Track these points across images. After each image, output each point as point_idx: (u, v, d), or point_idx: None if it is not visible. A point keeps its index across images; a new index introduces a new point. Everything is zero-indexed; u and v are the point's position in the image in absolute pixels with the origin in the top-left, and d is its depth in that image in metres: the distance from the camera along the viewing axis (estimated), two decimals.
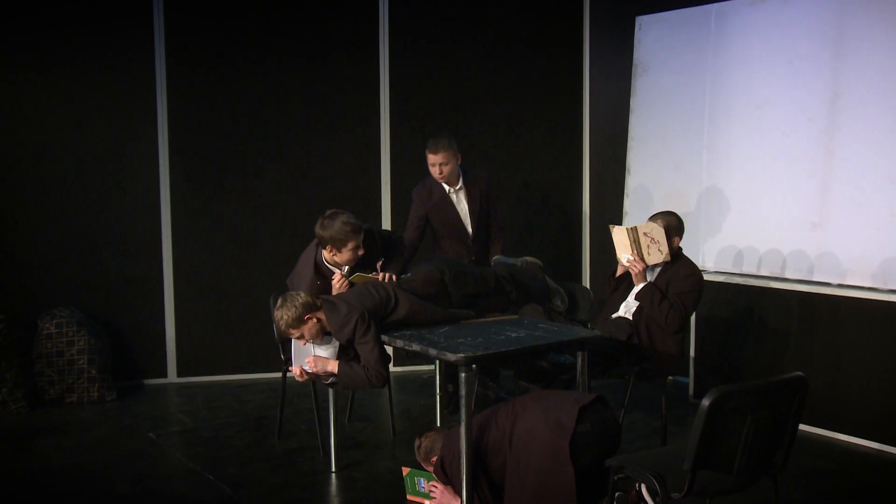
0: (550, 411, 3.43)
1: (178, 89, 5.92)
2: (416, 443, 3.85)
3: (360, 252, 4.21)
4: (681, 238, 4.48)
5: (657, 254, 4.39)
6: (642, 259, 4.40)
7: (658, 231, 4.36)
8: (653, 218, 4.49)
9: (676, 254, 4.46)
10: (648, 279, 4.46)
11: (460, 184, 5.09)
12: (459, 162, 5.06)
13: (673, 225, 4.43)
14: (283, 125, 6.09)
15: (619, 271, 4.60)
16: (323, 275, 4.28)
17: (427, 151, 4.99)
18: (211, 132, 6.00)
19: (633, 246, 4.39)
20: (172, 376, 6.05)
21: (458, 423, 3.53)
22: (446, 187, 5.08)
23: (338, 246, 4.19)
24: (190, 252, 6.02)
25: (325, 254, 4.26)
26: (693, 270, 4.42)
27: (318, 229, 4.21)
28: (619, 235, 4.43)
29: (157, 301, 6.00)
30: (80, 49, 5.77)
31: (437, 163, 4.97)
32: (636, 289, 4.46)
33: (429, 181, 5.11)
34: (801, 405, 3.05)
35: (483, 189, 5.13)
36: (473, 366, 3.61)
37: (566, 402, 3.46)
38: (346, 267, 4.29)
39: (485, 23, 6.37)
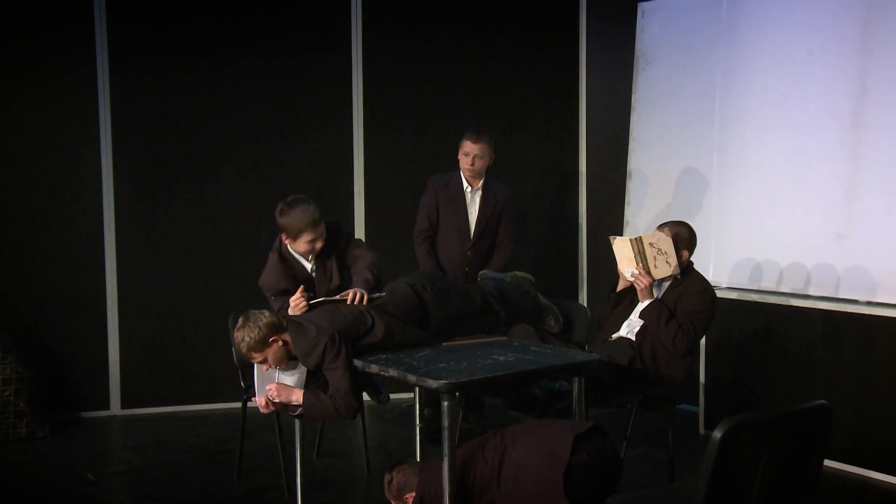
0: (543, 442, 3.43)
1: (123, 86, 5.90)
2: (387, 477, 3.82)
3: (319, 245, 4.29)
4: (692, 252, 4.49)
5: (665, 266, 4.39)
6: (648, 273, 4.41)
7: (666, 241, 4.37)
8: (660, 227, 4.50)
9: (687, 269, 4.46)
10: (655, 295, 4.46)
11: (480, 185, 5.29)
12: (491, 163, 5.29)
13: (683, 236, 4.44)
14: (244, 127, 6.08)
15: (621, 286, 4.60)
16: (290, 264, 4.36)
17: (466, 139, 5.21)
18: (161, 132, 5.98)
19: (637, 258, 4.39)
20: (116, 408, 6.00)
21: (439, 455, 3.51)
22: (465, 184, 5.28)
23: (292, 235, 4.29)
24: (137, 266, 5.98)
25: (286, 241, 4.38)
26: (705, 287, 4.42)
27: (276, 213, 4.33)
28: (622, 247, 4.44)
29: (99, 322, 5.95)
30: (12, 43, 5.74)
31: (473, 153, 5.19)
32: (641, 306, 4.46)
33: (448, 174, 5.35)
34: (827, 438, 3.05)
35: (502, 203, 5.33)
36: (457, 393, 3.59)
37: (560, 432, 3.46)
38: (311, 262, 4.36)
39: (467, 12, 6.40)
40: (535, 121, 6.57)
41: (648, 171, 5.93)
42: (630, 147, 6.06)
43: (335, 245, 4.47)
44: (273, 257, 4.43)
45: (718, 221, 5.47)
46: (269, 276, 4.42)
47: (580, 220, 6.68)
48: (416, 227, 5.43)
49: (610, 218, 6.38)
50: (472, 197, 5.33)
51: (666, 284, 4.47)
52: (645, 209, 5.95)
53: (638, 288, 4.42)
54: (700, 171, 5.60)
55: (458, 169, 5.36)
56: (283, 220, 4.25)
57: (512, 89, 6.51)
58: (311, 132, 6.18)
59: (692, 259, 4.53)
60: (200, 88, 6.01)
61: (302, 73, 6.14)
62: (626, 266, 4.46)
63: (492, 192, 5.34)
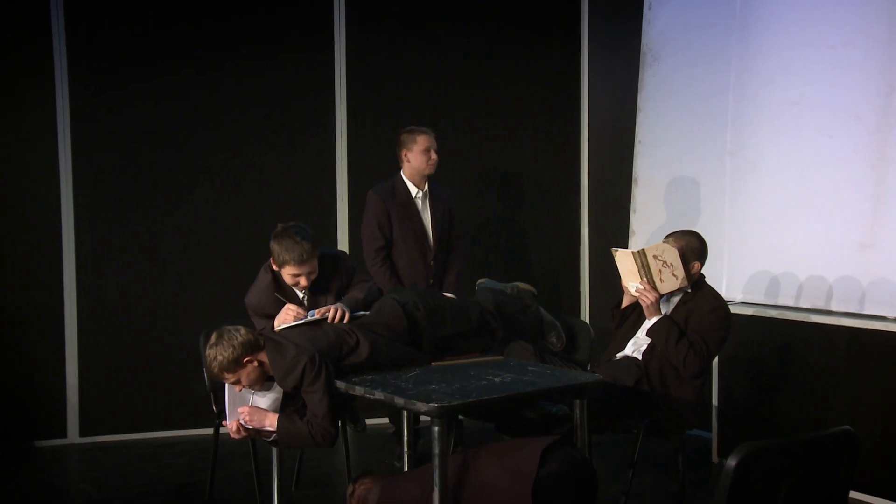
0: (506, 458, 3.46)
1: (83, 84, 5.88)
2: (349, 489, 3.84)
3: (304, 283, 4.31)
4: (703, 263, 4.49)
5: (671, 280, 4.39)
6: (654, 287, 4.41)
7: (671, 253, 4.37)
8: (667, 238, 4.50)
9: (698, 283, 4.46)
10: (663, 312, 4.46)
11: (426, 188, 5.32)
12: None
13: (693, 247, 4.43)
14: (219, 129, 6.08)
15: (626, 302, 4.60)
16: (283, 288, 4.37)
17: (420, 134, 5.24)
18: (126, 134, 5.96)
19: (641, 272, 4.39)
20: (74, 436, 5.97)
21: (401, 469, 3.50)
22: (413, 190, 5.29)
23: (277, 264, 4.32)
24: (99, 280, 5.96)
25: None
26: (719, 304, 4.42)
27: (272, 236, 4.35)
28: (625, 261, 4.44)
29: (56, 341, 5.93)
30: None
31: (434, 147, 5.25)
32: (648, 323, 4.46)
33: (388, 182, 5.33)
34: (852, 466, 3.04)
35: (447, 206, 5.38)
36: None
37: (525, 447, 3.50)
38: (304, 293, 4.40)
39: (460, 6, 6.41)
40: (532, 123, 6.58)
41: (655, 176, 5.95)
42: (635, 151, 6.07)
43: (333, 279, 4.46)
44: (265, 276, 4.41)
45: (732, 231, 5.48)
46: (258, 296, 4.41)
47: (582, 230, 6.68)
48: (366, 247, 5.30)
49: (614, 227, 6.39)
50: (423, 203, 5.33)
51: (675, 299, 4.47)
52: (652, 218, 5.95)
53: (644, 304, 4.42)
54: (711, 176, 5.62)
55: (396, 175, 5.31)
56: (272, 245, 4.30)
57: (507, 89, 6.52)
58: (291, 135, 6.19)
59: (703, 272, 4.53)
60: (171, 88, 6.00)
61: (281, 73, 6.15)
62: (631, 280, 4.46)
63: (437, 195, 5.37)
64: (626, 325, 4.61)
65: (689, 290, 4.44)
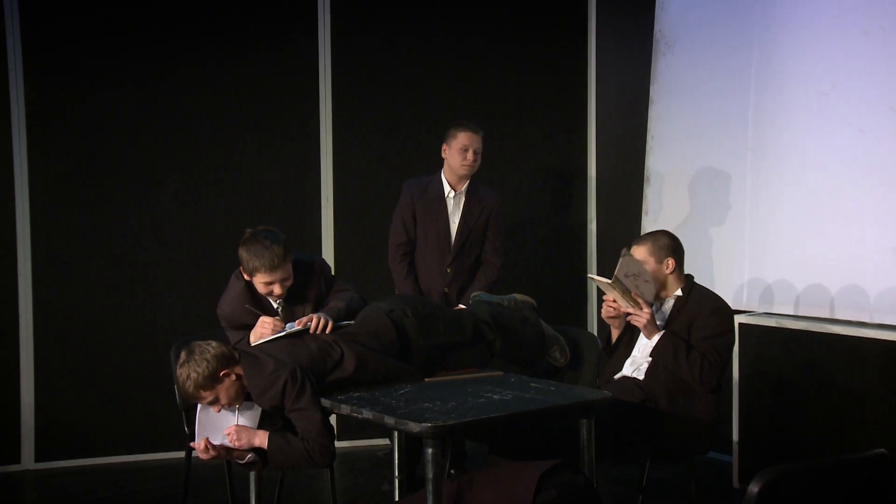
0: (502, 484, 3.47)
1: (40, 79, 5.87)
2: None
3: (278, 291, 4.32)
4: (679, 260, 4.50)
5: (648, 287, 4.42)
6: (639, 305, 4.40)
7: (633, 263, 4.39)
8: (636, 243, 4.54)
9: (689, 285, 4.48)
10: (658, 325, 4.47)
11: (465, 188, 5.37)
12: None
13: (661, 244, 4.47)
14: (192, 125, 6.08)
15: (615, 334, 4.62)
16: (257, 297, 4.38)
17: (462, 130, 5.30)
18: (90, 130, 5.96)
19: (624, 297, 4.39)
20: (29, 461, 5.95)
21: (390, 494, 3.50)
22: (446, 188, 5.38)
23: (247, 272, 4.33)
24: (57, 290, 5.95)
25: None
26: (718, 304, 4.43)
27: (240, 243, 4.37)
28: (608, 290, 4.46)
29: (9, 357, 5.91)
30: None
31: (474, 146, 5.31)
32: (644, 341, 4.45)
33: (427, 178, 5.45)
34: (889, 493, 3.04)
35: (489, 210, 5.42)
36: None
37: (523, 472, 3.51)
38: (278, 304, 4.40)
39: None
40: (535, 116, 6.59)
41: (669, 174, 5.95)
42: (648, 147, 6.08)
43: (309, 287, 4.48)
44: (237, 284, 4.42)
45: (753, 235, 5.49)
46: (230, 306, 4.42)
47: (589, 233, 6.69)
48: (390, 241, 5.46)
49: (624, 230, 6.39)
50: (455, 202, 5.39)
51: (668, 307, 4.47)
52: (665, 220, 5.96)
53: (640, 326, 4.42)
54: (731, 175, 5.63)
55: (437, 172, 5.41)
56: (240, 252, 4.31)
57: (508, 80, 6.53)
58: (271, 131, 6.19)
59: (690, 273, 4.53)
60: (136, 80, 5.99)
61: (259, 64, 6.15)
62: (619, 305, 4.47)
63: (477, 198, 5.40)
64: (620, 350, 4.62)
65: (681, 294, 4.45)
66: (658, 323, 4.45)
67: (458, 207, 5.39)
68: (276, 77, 6.19)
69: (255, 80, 6.17)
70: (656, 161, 6.03)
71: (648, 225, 6.05)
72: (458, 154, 5.30)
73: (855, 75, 5.04)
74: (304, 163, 6.24)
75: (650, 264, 4.43)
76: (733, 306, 5.52)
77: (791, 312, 5.29)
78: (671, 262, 4.46)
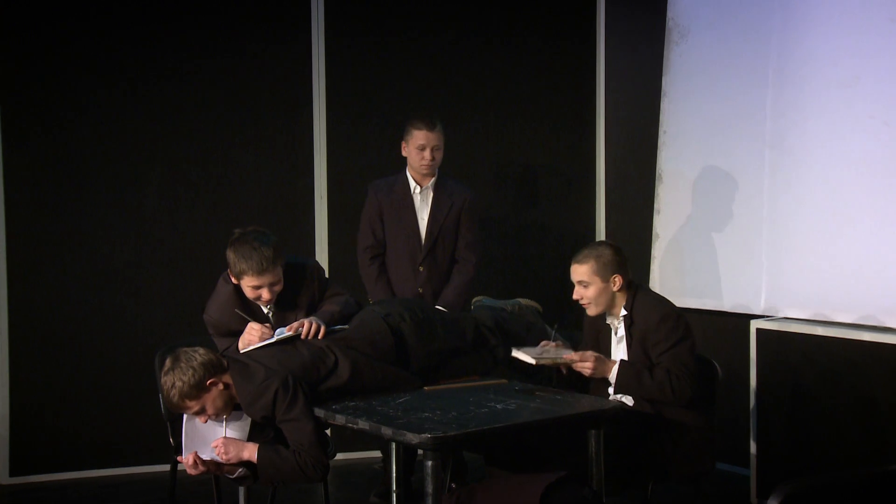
0: (504, 496, 3.49)
1: (15, 63, 5.85)
2: None
3: (266, 296, 4.32)
4: (625, 273, 4.41)
5: (560, 349, 4.38)
6: (576, 355, 4.35)
7: (530, 351, 4.28)
8: (575, 261, 4.44)
9: (632, 298, 4.42)
10: (616, 350, 4.44)
11: (431, 183, 5.37)
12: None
13: (605, 261, 4.38)
14: (176, 119, 6.06)
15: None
16: (246, 301, 4.38)
17: (417, 128, 5.28)
18: (66, 122, 5.93)
19: (556, 362, 4.34)
20: (3, 476, 5.92)
21: None
22: (412, 185, 5.38)
23: (234, 274, 4.33)
24: (33, 294, 5.94)
25: None
26: (663, 311, 4.36)
27: (228, 244, 4.37)
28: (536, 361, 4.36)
29: None
30: None
31: (431, 143, 5.28)
32: (608, 378, 4.38)
33: (392, 177, 5.45)
34: None
35: (460, 205, 5.40)
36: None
37: (526, 485, 3.52)
38: (269, 308, 4.41)
39: None
40: (540, 111, 6.58)
41: (683, 172, 5.95)
42: (660, 142, 6.07)
43: (302, 292, 4.49)
44: (225, 288, 4.43)
45: (772, 236, 5.49)
46: (218, 311, 4.43)
47: (598, 235, 6.67)
48: (358, 245, 5.50)
49: (635, 231, 6.39)
50: (423, 199, 5.40)
51: (619, 328, 4.43)
52: (678, 219, 5.96)
53: (588, 372, 4.33)
54: (748, 172, 5.63)
55: (403, 170, 5.43)
56: (228, 253, 4.33)
57: (511, 71, 6.51)
58: (261, 123, 6.17)
59: (634, 281, 4.48)
60: (117, 67, 5.97)
61: (247, 55, 6.13)
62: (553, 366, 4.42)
63: (446, 192, 5.41)
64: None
65: (626, 311, 4.40)
66: (614, 348, 4.44)
67: (427, 203, 5.40)
68: (265, 68, 6.18)
69: (243, 71, 6.15)
70: (669, 158, 6.03)
71: (660, 225, 6.05)
72: (415, 153, 5.31)
73: (881, 65, 5.03)
74: (297, 158, 6.22)
75: (595, 284, 4.38)
76: (750, 311, 5.56)
77: (811, 317, 5.29)
78: (618, 279, 4.39)
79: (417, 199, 5.38)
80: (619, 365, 4.30)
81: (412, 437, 3.58)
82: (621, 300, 4.43)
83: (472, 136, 6.47)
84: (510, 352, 4.49)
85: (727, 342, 5.76)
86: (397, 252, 5.41)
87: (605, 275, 4.38)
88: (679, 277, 6.00)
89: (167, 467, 4.74)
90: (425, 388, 4.27)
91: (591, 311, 4.46)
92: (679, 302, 5.89)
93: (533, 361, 4.19)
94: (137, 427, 5.93)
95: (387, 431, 3.69)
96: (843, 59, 5.18)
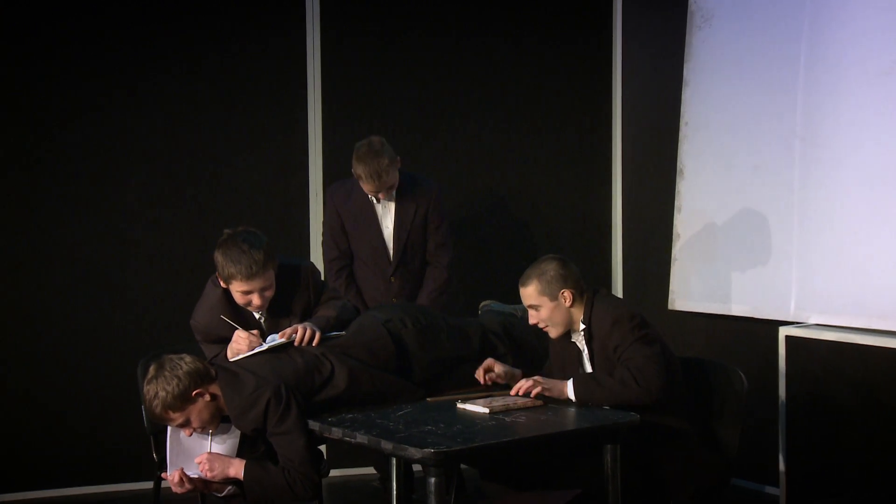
0: None
1: None
2: None
3: (257, 302, 4.32)
4: (575, 286, 4.39)
5: (556, 329, 4.40)
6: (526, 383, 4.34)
7: (478, 401, 4.22)
8: (523, 283, 4.40)
9: (589, 309, 4.39)
10: (586, 363, 4.44)
11: (392, 193, 5.45)
12: (399, 166, 5.39)
13: (550, 277, 4.36)
14: (160, 109, 6.06)
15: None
16: (235, 306, 4.38)
17: (364, 163, 5.26)
18: (40, 112, 5.94)
19: (505, 406, 4.33)
20: None
21: None
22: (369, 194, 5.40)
23: (223, 278, 4.33)
24: (7, 299, 5.94)
25: None
26: (615, 315, 4.32)
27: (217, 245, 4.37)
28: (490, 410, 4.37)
29: None
30: None
31: (376, 189, 5.29)
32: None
33: (350, 181, 5.51)
34: None
35: (426, 206, 5.46)
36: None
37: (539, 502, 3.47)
38: (261, 314, 4.41)
39: None
40: (552, 102, 6.59)
41: (706, 166, 5.95)
42: (681, 135, 6.07)
43: (296, 297, 4.49)
44: (213, 292, 4.44)
45: (802, 235, 5.49)
46: (206, 317, 4.43)
47: (614, 233, 6.68)
48: (323, 257, 5.58)
49: (653, 230, 6.40)
50: (385, 206, 5.45)
51: (581, 343, 4.43)
52: (700, 218, 5.97)
53: (544, 390, 4.30)
54: (777, 166, 5.62)
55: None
56: (216, 256, 4.33)
57: (519, 60, 6.52)
58: (251, 120, 6.18)
59: (589, 290, 4.45)
60: (97, 62, 5.97)
61: (236, 45, 6.14)
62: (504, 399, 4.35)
63: (410, 195, 5.44)
64: None
65: (585, 325, 4.39)
66: (586, 359, 4.44)
67: (389, 210, 5.45)
68: (256, 58, 6.18)
69: (231, 62, 6.15)
70: (690, 151, 6.03)
71: (681, 223, 6.04)
72: (365, 185, 5.34)
73: None
74: (290, 153, 6.23)
75: (545, 305, 4.36)
76: (778, 317, 5.54)
77: (845, 324, 5.27)
78: (567, 294, 4.37)
79: (379, 207, 5.43)
80: (572, 381, 4.28)
81: (414, 452, 3.58)
82: (578, 315, 4.41)
83: (478, 131, 6.48)
84: (519, 360, 4.50)
85: (754, 351, 5.75)
86: (364, 263, 5.49)
87: (552, 293, 4.36)
88: (701, 281, 6.00)
89: (150, 485, 4.74)
90: (428, 399, 4.27)
91: (553, 333, 4.44)
92: (702, 307, 5.94)
93: (486, 411, 4.12)
94: (119, 442, 5.94)
95: (387, 446, 3.69)
96: (881, 44, 5.17)
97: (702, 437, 4.41)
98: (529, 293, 4.38)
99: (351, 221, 5.46)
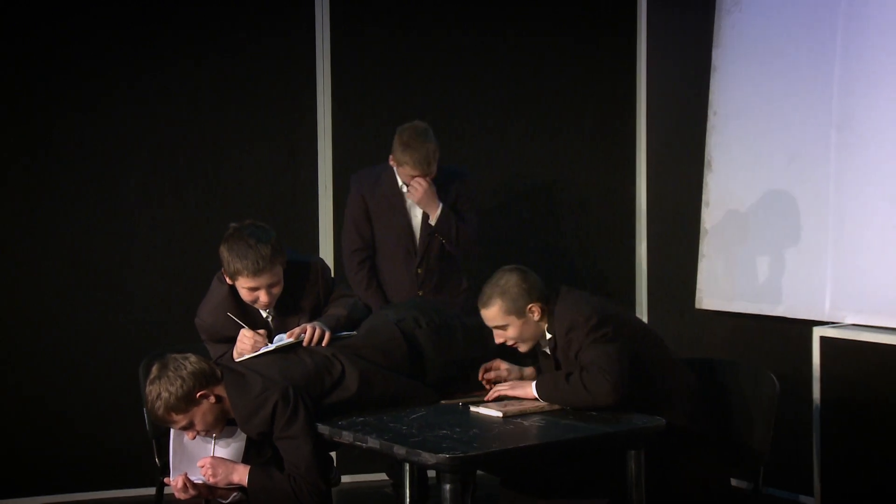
0: None
1: None
2: None
3: (264, 299, 4.32)
4: (540, 297, 4.33)
5: (526, 344, 4.37)
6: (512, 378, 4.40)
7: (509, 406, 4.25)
8: (482, 303, 4.33)
9: (552, 312, 4.36)
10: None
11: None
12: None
13: (514, 294, 4.27)
14: (161, 98, 6.07)
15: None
16: (242, 304, 4.38)
17: (406, 165, 5.18)
18: (36, 103, 5.95)
19: (520, 410, 4.32)
20: None
21: None
22: (400, 179, 5.37)
23: (228, 274, 4.32)
24: (4, 297, 5.95)
25: None
26: (570, 319, 4.29)
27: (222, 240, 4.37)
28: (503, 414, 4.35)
29: None
30: None
31: (420, 173, 5.20)
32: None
33: (377, 168, 5.46)
34: None
35: (455, 195, 5.44)
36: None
37: None
38: (268, 312, 4.42)
39: None
40: (572, 89, 6.58)
41: (735, 159, 5.94)
42: (709, 124, 6.06)
43: (305, 294, 4.49)
44: (219, 290, 4.44)
45: (838, 231, 5.47)
46: (211, 315, 4.43)
47: (638, 227, 6.67)
48: (343, 248, 5.54)
49: (680, 225, 6.40)
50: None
51: (547, 354, 4.44)
52: (730, 212, 5.96)
53: (514, 393, 4.31)
54: (811, 157, 5.61)
55: (388, 161, 5.40)
56: (221, 251, 4.32)
57: (540, 45, 6.53)
58: (256, 108, 6.18)
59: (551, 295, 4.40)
60: (95, 48, 5.98)
61: (241, 29, 6.15)
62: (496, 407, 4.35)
63: (440, 184, 5.37)
64: None
65: (550, 334, 4.35)
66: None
67: None
68: (263, 42, 6.18)
69: (240, 50, 6.16)
70: (719, 142, 6.01)
71: (710, 218, 6.02)
72: (400, 172, 5.31)
73: None
74: (298, 144, 6.23)
75: (513, 324, 4.30)
76: (813, 316, 5.53)
77: (884, 324, 5.26)
78: (536, 308, 4.31)
79: (408, 196, 5.37)
80: (537, 381, 4.29)
81: (428, 458, 3.58)
82: (544, 325, 4.36)
83: (496, 122, 6.49)
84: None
85: (786, 352, 5.74)
86: (389, 253, 5.45)
87: (519, 310, 4.29)
88: (730, 279, 5.98)
89: (153, 490, 4.75)
90: (442, 402, 4.28)
91: (522, 348, 4.40)
92: (731, 307, 5.93)
93: (500, 415, 4.12)
94: (121, 445, 5.95)
95: (399, 451, 3.68)
96: None
97: (731, 444, 4.40)
98: (493, 315, 4.30)
99: (378, 210, 5.42)
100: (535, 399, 4.23)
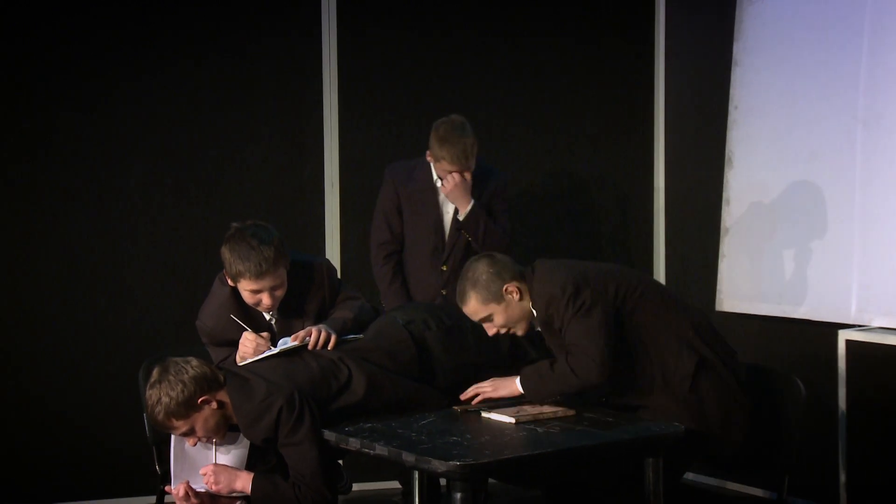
0: None
1: None
2: None
3: (267, 302, 4.32)
4: (517, 276, 4.32)
5: (521, 328, 4.37)
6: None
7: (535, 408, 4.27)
8: (461, 298, 4.34)
9: (530, 291, 4.36)
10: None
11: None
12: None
13: (486, 283, 4.26)
14: (162, 95, 6.07)
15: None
16: (245, 306, 4.38)
17: (444, 161, 5.24)
18: (33, 105, 5.94)
19: (534, 416, 4.30)
20: None
21: None
22: (435, 174, 5.42)
23: (230, 276, 4.33)
24: (5, 300, 5.95)
25: None
26: (547, 294, 4.27)
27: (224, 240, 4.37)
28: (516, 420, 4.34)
29: None
30: None
31: (459, 168, 5.26)
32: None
33: (412, 162, 5.54)
34: None
35: (490, 194, 5.47)
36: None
37: None
38: (272, 315, 4.43)
39: None
40: (586, 83, 6.58)
41: (757, 154, 5.93)
42: (730, 120, 6.05)
43: (309, 297, 4.50)
44: (221, 291, 4.45)
45: (865, 231, 5.46)
46: (213, 318, 4.44)
47: (656, 227, 6.67)
48: (371, 240, 5.58)
49: (699, 224, 6.39)
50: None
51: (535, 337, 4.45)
52: (751, 211, 5.95)
53: (498, 392, 4.33)
54: (836, 154, 5.59)
55: (423, 155, 5.45)
56: (223, 252, 4.33)
57: (553, 37, 6.52)
58: (261, 104, 6.18)
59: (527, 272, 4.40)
60: (96, 43, 5.98)
61: (245, 24, 6.15)
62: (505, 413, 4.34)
63: (475, 182, 5.41)
64: None
65: (535, 313, 4.34)
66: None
67: None
68: (269, 40, 6.18)
69: (243, 44, 6.16)
70: (740, 138, 6.00)
71: (730, 217, 6.01)
72: (443, 173, 5.33)
73: None
74: (304, 140, 6.22)
75: (497, 312, 4.29)
76: (838, 319, 5.53)
77: None
78: (513, 288, 4.29)
79: (442, 193, 5.41)
80: (521, 375, 4.31)
81: (438, 465, 3.57)
82: (528, 303, 4.34)
83: (508, 119, 6.49)
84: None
85: (811, 356, 5.72)
86: (417, 249, 5.48)
87: (495, 295, 4.28)
88: (752, 280, 5.97)
89: (153, 499, 4.75)
90: (454, 407, 4.27)
91: (519, 331, 4.39)
92: (753, 309, 5.92)
93: (512, 421, 4.12)
94: (120, 451, 5.94)
95: (409, 458, 3.69)
96: None
97: (755, 450, 4.38)
98: (473, 308, 4.30)
99: (410, 203, 5.46)
100: (521, 395, 4.27)
